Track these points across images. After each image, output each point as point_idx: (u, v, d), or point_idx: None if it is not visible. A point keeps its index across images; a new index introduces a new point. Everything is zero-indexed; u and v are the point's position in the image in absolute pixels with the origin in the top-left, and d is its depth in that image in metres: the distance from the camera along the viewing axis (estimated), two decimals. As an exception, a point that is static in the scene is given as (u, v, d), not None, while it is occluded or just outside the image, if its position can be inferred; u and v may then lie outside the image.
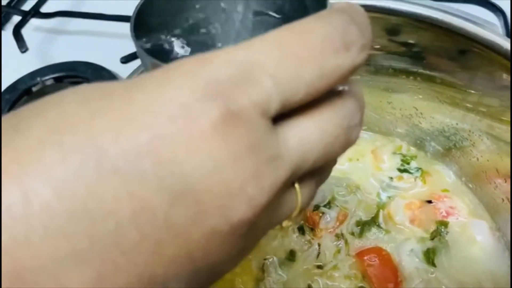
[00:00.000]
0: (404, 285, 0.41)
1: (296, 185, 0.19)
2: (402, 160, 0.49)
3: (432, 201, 0.46)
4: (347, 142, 0.19)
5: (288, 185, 0.18)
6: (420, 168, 0.48)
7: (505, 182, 0.41)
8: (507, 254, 0.42)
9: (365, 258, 0.42)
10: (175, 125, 0.15)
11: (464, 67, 0.40)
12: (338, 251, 0.43)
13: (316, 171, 0.20)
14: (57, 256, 0.14)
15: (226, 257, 0.17)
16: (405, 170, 0.48)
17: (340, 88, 0.19)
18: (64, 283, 0.14)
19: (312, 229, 0.44)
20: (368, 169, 0.49)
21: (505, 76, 0.36)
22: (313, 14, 0.17)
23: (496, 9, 0.62)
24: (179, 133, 0.15)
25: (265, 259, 0.43)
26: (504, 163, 0.41)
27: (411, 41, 0.40)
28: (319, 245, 0.44)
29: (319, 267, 0.42)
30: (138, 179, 0.14)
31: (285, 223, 0.20)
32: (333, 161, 0.22)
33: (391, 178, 0.48)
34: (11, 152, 0.14)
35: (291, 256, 0.43)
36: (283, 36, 0.16)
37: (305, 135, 0.17)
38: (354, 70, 0.17)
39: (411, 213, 0.45)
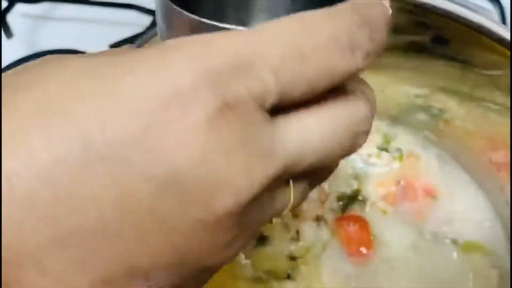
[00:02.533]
0: (377, 251, 0.42)
1: (291, 183, 0.19)
2: (384, 140, 0.49)
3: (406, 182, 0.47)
4: (351, 149, 0.19)
5: (280, 182, 0.18)
6: (399, 149, 0.48)
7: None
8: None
9: (344, 222, 0.44)
10: (166, 114, 0.15)
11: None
12: (315, 243, 0.44)
13: (314, 172, 0.19)
14: (39, 241, 0.14)
15: (213, 250, 0.17)
16: (384, 149, 0.48)
17: (353, 89, 0.18)
18: (46, 266, 0.14)
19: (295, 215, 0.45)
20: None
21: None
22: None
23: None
24: (170, 122, 0.15)
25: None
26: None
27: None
28: (297, 231, 0.44)
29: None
30: (124, 167, 0.14)
31: (274, 220, 0.20)
32: (333, 165, 0.21)
33: (369, 155, 0.48)
34: None
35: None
36: (292, 29, 0.16)
37: (306, 134, 0.17)
38: (357, 73, 0.17)
39: (385, 190, 0.46)
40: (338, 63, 0.16)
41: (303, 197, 0.20)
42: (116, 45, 0.55)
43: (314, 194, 0.45)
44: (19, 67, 0.17)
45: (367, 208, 0.45)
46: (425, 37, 0.39)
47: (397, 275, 0.42)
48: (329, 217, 0.44)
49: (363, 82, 0.20)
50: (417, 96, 0.45)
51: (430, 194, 0.46)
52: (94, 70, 0.15)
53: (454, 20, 0.37)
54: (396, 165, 0.47)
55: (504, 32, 0.34)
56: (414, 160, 0.47)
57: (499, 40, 0.34)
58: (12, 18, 0.62)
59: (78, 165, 0.14)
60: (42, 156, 0.14)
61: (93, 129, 0.14)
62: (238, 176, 0.15)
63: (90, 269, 0.15)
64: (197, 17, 0.18)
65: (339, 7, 0.17)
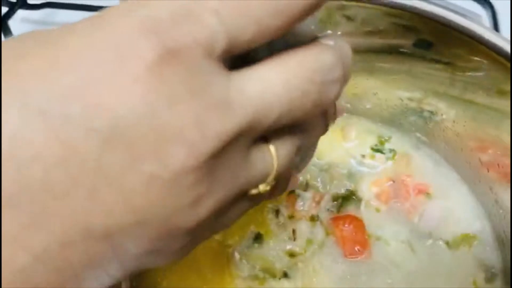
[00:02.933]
0: (372, 250, 0.43)
1: (271, 146, 0.18)
2: (378, 141, 0.50)
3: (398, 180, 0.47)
4: (321, 99, 0.17)
5: (251, 139, 0.17)
6: (393, 150, 0.49)
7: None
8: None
9: (339, 222, 0.44)
10: (103, 67, 0.14)
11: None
12: (311, 242, 0.44)
13: (294, 132, 0.19)
14: None
15: (178, 209, 0.16)
16: (378, 150, 0.49)
17: (319, 40, 0.18)
18: None
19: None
20: (337, 145, 0.49)
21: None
22: None
23: (485, 3, 0.62)
24: (108, 75, 0.14)
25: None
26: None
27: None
28: (293, 231, 0.45)
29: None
30: (64, 122, 0.14)
31: (262, 187, 0.19)
32: (314, 123, 0.20)
33: (363, 156, 0.48)
34: None
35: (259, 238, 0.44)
36: None
37: (266, 85, 0.16)
38: (309, 10, 0.16)
39: (378, 189, 0.46)
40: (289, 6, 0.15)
41: (288, 161, 0.19)
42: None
43: (309, 194, 0.46)
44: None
45: (362, 207, 0.46)
46: (414, 41, 0.40)
47: (392, 273, 0.42)
48: (324, 217, 0.45)
49: (334, 35, 0.19)
50: (409, 99, 0.46)
51: (422, 192, 0.47)
52: (38, 36, 0.16)
53: (441, 23, 0.37)
54: (389, 164, 0.48)
55: (490, 35, 0.35)
56: (406, 160, 0.48)
57: (485, 43, 0.35)
58: (13, 24, 0.62)
59: (17, 122, 0.14)
60: None
61: (31, 84, 0.14)
62: (189, 128, 0.15)
63: (44, 229, 0.14)
64: None
65: None
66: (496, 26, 0.60)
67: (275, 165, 0.18)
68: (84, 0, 0.63)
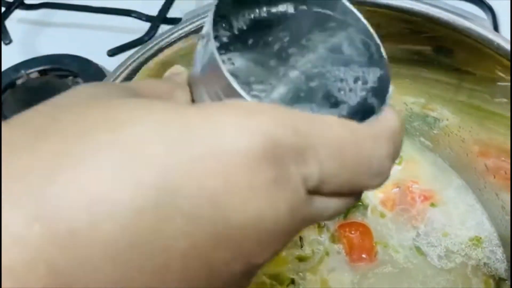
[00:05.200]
0: (379, 257, 0.44)
1: None
2: None
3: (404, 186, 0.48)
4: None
5: None
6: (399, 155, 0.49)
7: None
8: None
9: (346, 229, 0.45)
10: (238, 176, 0.16)
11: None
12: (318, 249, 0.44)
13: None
14: (107, 279, 0.15)
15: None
16: None
17: None
18: None
19: None
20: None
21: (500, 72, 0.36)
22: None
23: (485, 6, 0.63)
24: (240, 184, 0.16)
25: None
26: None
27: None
28: (300, 238, 0.45)
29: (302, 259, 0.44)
30: (197, 222, 0.16)
31: None
32: None
33: None
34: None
35: None
36: (344, 136, 0.19)
37: (326, 209, 0.20)
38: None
39: (384, 195, 0.47)
40: (363, 182, 0.20)
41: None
42: (113, 50, 0.54)
43: None
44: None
45: (368, 214, 0.46)
46: (424, 47, 0.40)
47: (400, 280, 0.42)
48: (331, 224, 0.45)
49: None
50: (414, 104, 0.46)
51: (428, 199, 0.47)
52: (161, 125, 0.17)
53: (447, 28, 0.37)
54: (396, 170, 0.48)
55: (501, 41, 0.35)
56: (412, 165, 0.48)
57: (496, 48, 0.35)
58: (10, 24, 0.62)
59: (159, 215, 0.15)
60: (120, 206, 0.15)
61: (174, 181, 0.15)
62: (280, 239, 0.18)
63: None
64: (230, 79, 0.19)
65: (383, 130, 0.20)
66: (496, 29, 0.60)
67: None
68: (82, 1, 0.62)
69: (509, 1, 0.63)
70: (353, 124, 0.20)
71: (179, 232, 0.15)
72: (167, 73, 0.25)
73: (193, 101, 0.23)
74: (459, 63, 0.39)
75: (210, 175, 0.16)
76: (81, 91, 0.20)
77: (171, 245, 0.15)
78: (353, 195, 0.21)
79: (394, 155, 0.21)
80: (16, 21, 0.63)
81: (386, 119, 0.21)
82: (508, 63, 0.35)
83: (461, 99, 0.42)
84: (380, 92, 0.23)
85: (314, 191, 0.19)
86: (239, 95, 0.19)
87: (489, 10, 0.62)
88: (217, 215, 0.16)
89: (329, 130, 0.19)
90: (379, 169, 0.20)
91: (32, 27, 0.64)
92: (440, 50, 0.39)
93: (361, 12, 0.23)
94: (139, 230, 0.15)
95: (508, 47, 0.34)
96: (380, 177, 0.21)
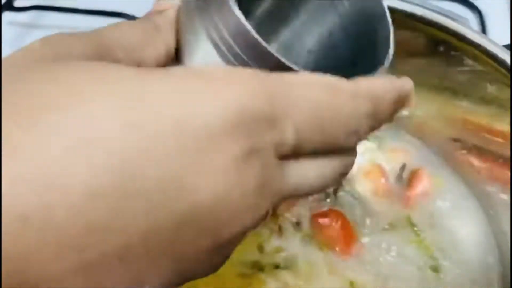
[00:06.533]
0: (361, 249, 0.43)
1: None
2: None
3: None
4: (335, 183, 0.22)
5: None
6: (377, 136, 0.50)
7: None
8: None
9: (321, 220, 0.44)
10: (202, 153, 0.16)
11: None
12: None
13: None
14: (64, 267, 0.14)
15: (208, 264, 0.18)
16: None
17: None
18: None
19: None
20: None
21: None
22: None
23: (472, 6, 0.63)
24: (204, 162, 0.16)
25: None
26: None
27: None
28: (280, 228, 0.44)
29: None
30: (158, 202, 0.15)
31: None
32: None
33: None
34: None
35: None
36: (320, 99, 0.18)
37: (305, 176, 0.19)
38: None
39: (373, 183, 0.47)
40: (340, 141, 0.19)
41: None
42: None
43: None
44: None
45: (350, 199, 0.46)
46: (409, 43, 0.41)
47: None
48: (308, 213, 0.45)
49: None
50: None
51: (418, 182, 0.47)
52: (134, 94, 0.16)
53: (437, 29, 0.38)
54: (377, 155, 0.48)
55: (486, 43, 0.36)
56: (398, 153, 0.49)
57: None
58: (-1, 26, 0.61)
59: (116, 198, 0.15)
60: (77, 187, 0.14)
61: (134, 163, 0.15)
62: (248, 213, 0.17)
63: (103, 283, 0.15)
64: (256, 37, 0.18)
65: (365, 89, 0.19)
66: (484, 30, 0.60)
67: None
68: (72, 3, 0.62)
69: (496, 3, 0.64)
70: (336, 83, 0.19)
71: (139, 213, 0.15)
72: (151, 10, 0.22)
73: (177, 50, 0.21)
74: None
75: (170, 155, 0.15)
76: (36, 50, 0.18)
77: (130, 226, 0.15)
78: (334, 170, 0.20)
79: (375, 118, 0.20)
80: (5, 23, 0.63)
81: (374, 80, 0.20)
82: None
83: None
84: (379, 52, 0.22)
85: (288, 157, 0.18)
86: (248, 36, 0.17)
87: (476, 10, 0.62)
88: (179, 196, 0.15)
89: (308, 92, 0.18)
90: (356, 128, 0.20)
91: (22, 29, 0.64)
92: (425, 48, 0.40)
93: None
94: (95, 214, 0.14)
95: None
96: (355, 136, 0.20)
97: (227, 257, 0.19)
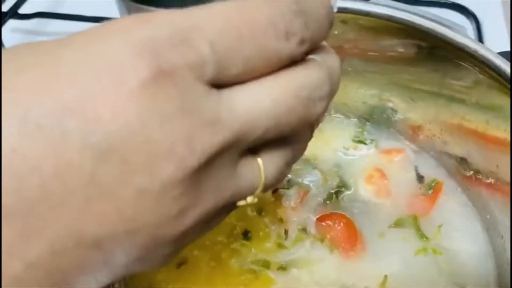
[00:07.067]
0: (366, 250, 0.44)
1: (258, 159, 0.19)
2: (357, 131, 0.51)
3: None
4: (307, 114, 0.18)
5: (238, 154, 0.18)
6: (373, 140, 0.50)
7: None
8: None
9: (329, 222, 0.44)
10: (101, 83, 0.15)
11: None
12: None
13: (281, 144, 0.20)
14: None
15: (163, 220, 0.17)
16: (360, 141, 0.50)
17: (309, 58, 0.19)
18: None
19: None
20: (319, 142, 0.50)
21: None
22: None
23: (468, 13, 0.64)
24: (105, 91, 0.15)
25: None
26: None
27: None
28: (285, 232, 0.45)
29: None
30: (61, 137, 0.15)
31: (249, 199, 0.20)
32: (301, 136, 0.21)
33: (346, 148, 0.50)
34: None
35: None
36: (230, 9, 0.17)
37: (254, 102, 0.17)
38: (292, 58, 0.18)
39: (375, 186, 0.47)
40: (272, 46, 0.17)
41: (277, 175, 0.20)
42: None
43: (293, 190, 0.47)
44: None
45: (353, 203, 0.47)
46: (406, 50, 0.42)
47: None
48: (313, 217, 0.45)
49: (325, 51, 0.20)
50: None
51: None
52: (32, 48, 0.16)
53: (433, 36, 0.39)
54: (375, 157, 0.49)
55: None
56: (393, 153, 0.50)
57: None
58: (4, 34, 0.62)
59: (16, 137, 0.14)
60: None
61: (29, 100, 0.15)
62: (179, 144, 0.16)
63: (37, 238, 0.15)
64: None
65: None
66: (480, 38, 0.61)
67: (263, 178, 0.19)
68: (75, 10, 0.63)
69: (492, 10, 0.64)
70: None
71: (43, 150, 0.15)
72: None
73: None
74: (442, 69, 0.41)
75: (65, 88, 0.15)
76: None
77: (39, 165, 0.15)
78: (287, 67, 0.18)
79: (305, 15, 0.18)
80: (10, 30, 0.64)
81: None
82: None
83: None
84: None
85: (221, 81, 0.17)
86: None
87: (473, 18, 0.63)
88: (83, 128, 0.15)
89: (210, 9, 0.17)
90: (286, 29, 0.17)
91: (26, 36, 0.64)
92: (423, 55, 0.41)
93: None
94: None
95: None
96: (293, 37, 0.17)
97: (192, 209, 0.17)
